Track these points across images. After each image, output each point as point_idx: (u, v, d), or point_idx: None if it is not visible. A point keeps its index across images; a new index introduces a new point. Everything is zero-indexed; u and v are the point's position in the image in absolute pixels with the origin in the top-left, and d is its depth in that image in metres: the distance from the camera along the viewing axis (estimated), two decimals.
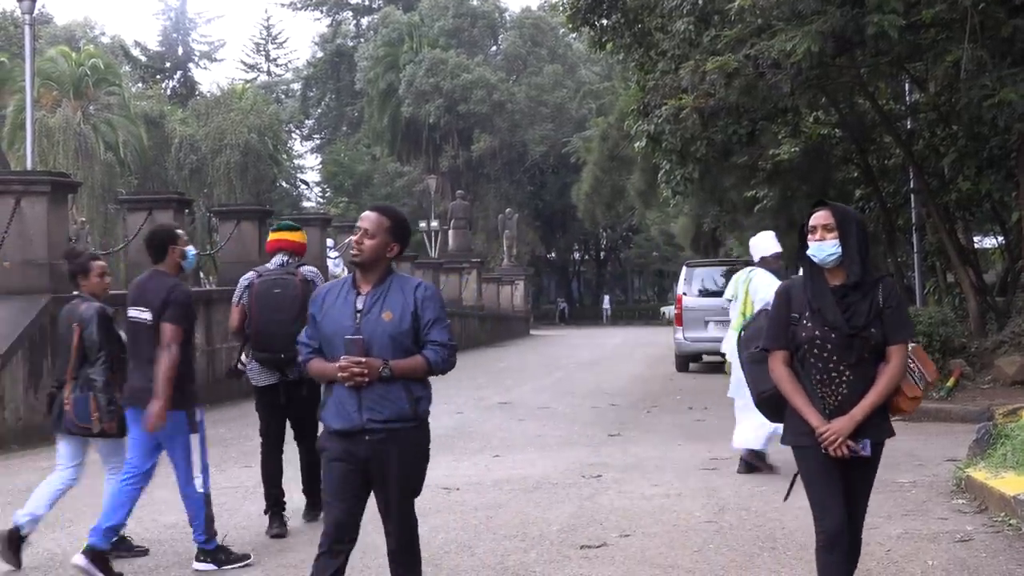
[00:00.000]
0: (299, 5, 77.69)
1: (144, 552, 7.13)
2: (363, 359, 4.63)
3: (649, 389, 18.43)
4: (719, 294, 22.19)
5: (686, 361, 22.29)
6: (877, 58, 14.36)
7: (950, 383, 13.78)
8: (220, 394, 16.49)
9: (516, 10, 70.64)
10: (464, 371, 23.69)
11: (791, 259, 32.12)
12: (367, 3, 77.70)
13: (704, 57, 13.93)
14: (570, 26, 19.81)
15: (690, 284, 22.24)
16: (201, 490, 6.85)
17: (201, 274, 52.02)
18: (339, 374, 4.65)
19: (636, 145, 17.84)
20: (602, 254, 75.24)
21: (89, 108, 51.03)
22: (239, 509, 8.37)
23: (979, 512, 7.75)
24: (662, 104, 15.63)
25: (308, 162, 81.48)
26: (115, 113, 51.77)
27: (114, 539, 6.70)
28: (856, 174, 21.15)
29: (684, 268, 23.47)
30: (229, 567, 6.75)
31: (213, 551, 6.77)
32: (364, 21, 76.80)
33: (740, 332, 5.16)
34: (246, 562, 6.84)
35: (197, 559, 6.76)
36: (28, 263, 13.19)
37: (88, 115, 50.48)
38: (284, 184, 67.52)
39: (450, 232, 47.79)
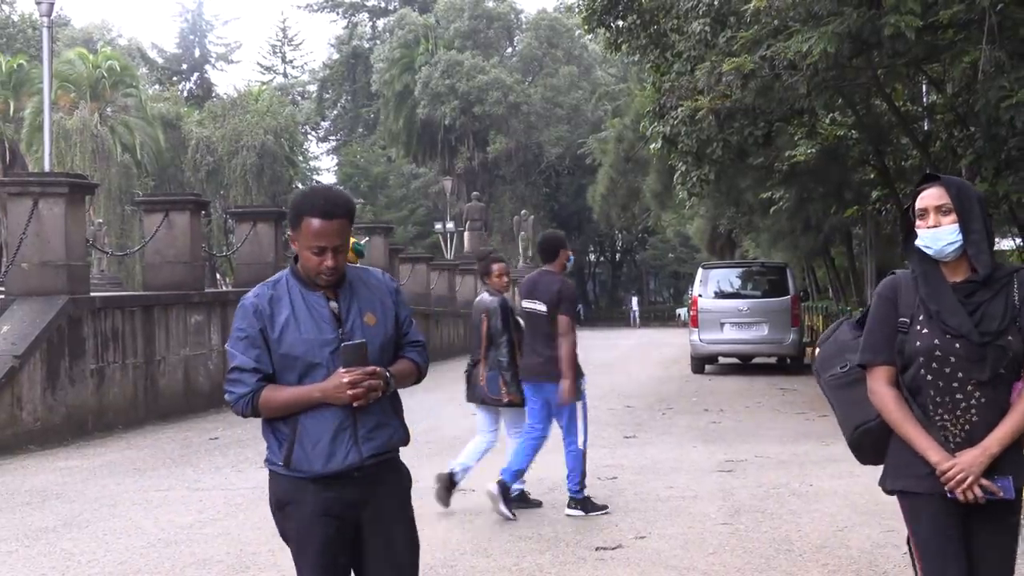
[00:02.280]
0: (315, 7, 77.86)
1: (538, 504, 8.48)
2: (376, 368, 3.57)
3: (665, 391, 18.41)
4: (735, 296, 22.31)
5: (702, 363, 22.26)
6: (894, 59, 14.29)
7: None
8: None
9: (532, 12, 70.73)
10: None
11: (807, 261, 31.89)
12: (383, 5, 77.83)
13: (720, 58, 13.90)
14: (586, 28, 19.80)
15: (706, 286, 22.21)
16: (581, 447, 8.16)
17: (218, 275, 52.31)
18: (347, 392, 3.50)
19: (652, 147, 17.82)
20: (618, 256, 75.19)
21: (106, 110, 51.27)
22: (255, 510, 8.38)
23: None
24: (678, 105, 15.61)
25: (324, 163, 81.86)
26: (132, 115, 52.01)
27: (517, 483, 8.28)
28: (873, 175, 21.08)
29: (700, 270, 23.44)
30: (594, 513, 8.04)
31: (582, 500, 8.10)
32: (380, 23, 76.88)
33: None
34: (606, 511, 8.10)
35: (569, 506, 8.13)
36: (46, 264, 13.24)
37: (105, 117, 50.72)
38: (300, 185, 67.53)
39: (465, 234, 47.84)
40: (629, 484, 9.39)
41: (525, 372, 8.22)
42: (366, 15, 79.12)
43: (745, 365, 23.16)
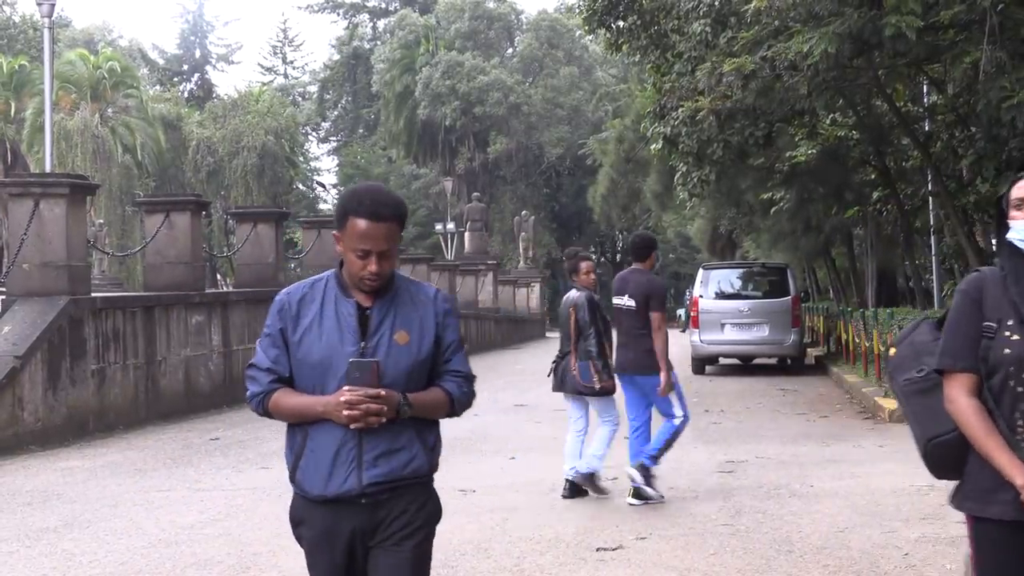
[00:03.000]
0: (316, 8, 77.85)
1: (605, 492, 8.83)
2: (381, 391, 3.26)
3: None
4: (735, 296, 22.30)
5: (702, 364, 22.23)
6: (895, 60, 14.31)
7: None
8: (237, 395, 16.53)
9: (532, 12, 70.80)
10: (480, 373, 23.62)
11: (808, 262, 31.86)
12: (383, 6, 77.85)
13: (720, 59, 13.91)
14: (586, 28, 19.82)
15: (706, 286, 22.19)
16: (678, 424, 8.61)
17: (218, 276, 52.31)
18: (344, 412, 3.25)
19: (652, 147, 17.84)
20: (618, 256, 75.18)
21: (107, 111, 51.29)
22: (255, 510, 8.38)
23: None
24: (678, 106, 15.63)
25: (325, 164, 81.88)
26: (133, 115, 52.02)
27: (587, 468, 8.67)
28: (873, 176, 21.10)
29: (700, 270, 23.42)
30: (648, 490, 8.46)
31: (646, 472, 8.50)
32: (380, 24, 76.89)
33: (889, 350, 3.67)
34: (661, 500, 8.53)
35: (634, 466, 8.54)
36: (47, 265, 13.24)
37: (106, 117, 50.73)
38: (301, 186, 67.74)
39: (466, 234, 47.85)
40: (630, 484, 9.38)
41: (618, 366, 8.81)
42: (367, 16, 79.14)
43: (746, 366, 23.15)
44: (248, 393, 3.48)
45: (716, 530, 7.54)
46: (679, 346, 29.79)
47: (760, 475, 9.77)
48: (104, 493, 9.33)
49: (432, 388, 3.45)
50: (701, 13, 14.52)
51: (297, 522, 3.48)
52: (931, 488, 8.76)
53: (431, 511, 3.51)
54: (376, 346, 3.34)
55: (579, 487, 8.77)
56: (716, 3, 14.28)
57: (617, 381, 8.80)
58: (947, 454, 3.24)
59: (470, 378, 3.57)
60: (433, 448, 3.46)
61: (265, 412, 3.45)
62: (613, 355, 8.87)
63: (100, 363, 13.62)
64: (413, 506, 3.43)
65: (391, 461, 3.34)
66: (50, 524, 8.06)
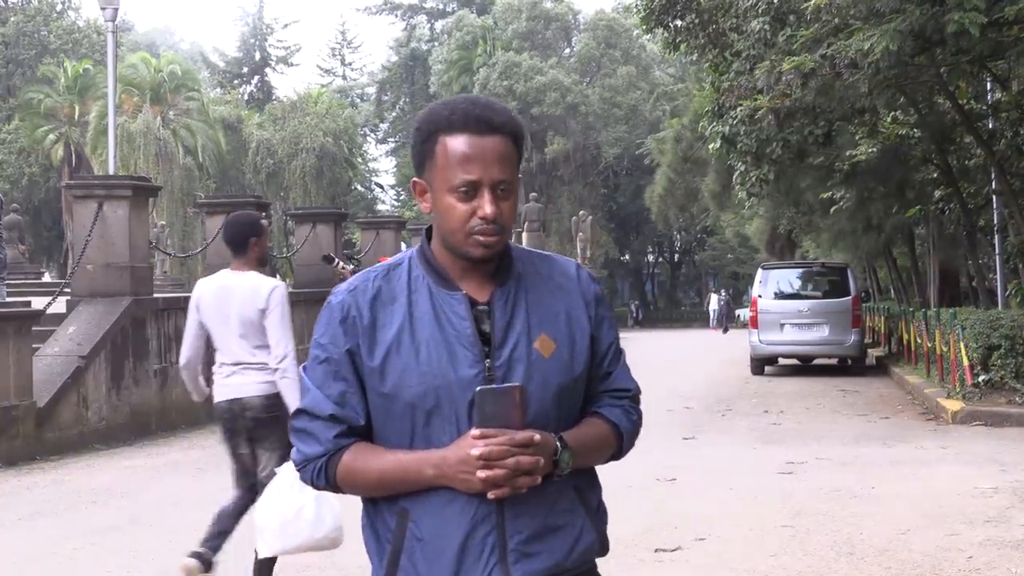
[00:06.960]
0: (374, 10, 78.30)
1: None
2: (534, 434, 2.04)
3: (724, 392, 18.30)
4: (795, 296, 22.14)
5: (761, 364, 22.09)
6: (958, 57, 14.11)
7: None
8: None
9: (589, 12, 70.55)
10: None
11: (868, 262, 31.60)
12: (441, 7, 78.12)
13: (780, 57, 13.80)
14: (644, 28, 19.72)
15: (765, 286, 22.07)
16: None
17: (278, 276, 52.75)
18: (480, 474, 2.02)
19: (710, 146, 17.73)
20: (676, 256, 74.87)
21: (169, 113, 51.95)
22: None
23: None
24: (737, 105, 15.53)
25: (383, 165, 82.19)
26: (194, 118, 52.65)
27: None
28: (936, 175, 20.82)
29: (759, 270, 23.28)
30: None
31: None
32: (438, 25, 77.15)
33: None
34: None
35: None
36: (110, 266, 13.45)
37: (168, 120, 51.39)
38: (359, 187, 68.13)
39: (523, 234, 47.79)
40: (688, 485, 9.35)
41: None
42: (424, 17, 79.45)
43: (805, 366, 22.96)
44: (298, 456, 2.20)
45: (776, 531, 7.48)
46: (739, 347, 29.67)
47: (820, 476, 9.68)
48: (167, 492, 9.45)
49: (588, 420, 2.27)
50: (760, 11, 14.43)
51: None
52: (995, 491, 8.63)
53: None
54: (509, 363, 2.12)
55: None
56: (775, 1, 14.18)
57: None
58: None
59: (638, 399, 2.37)
60: (598, 511, 2.35)
61: (328, 483, 2.20)
62: None
63: (162, 363, 13.80)
64: None
65: (550, 545, 2.16)
66: (114, 522, 8.18)
